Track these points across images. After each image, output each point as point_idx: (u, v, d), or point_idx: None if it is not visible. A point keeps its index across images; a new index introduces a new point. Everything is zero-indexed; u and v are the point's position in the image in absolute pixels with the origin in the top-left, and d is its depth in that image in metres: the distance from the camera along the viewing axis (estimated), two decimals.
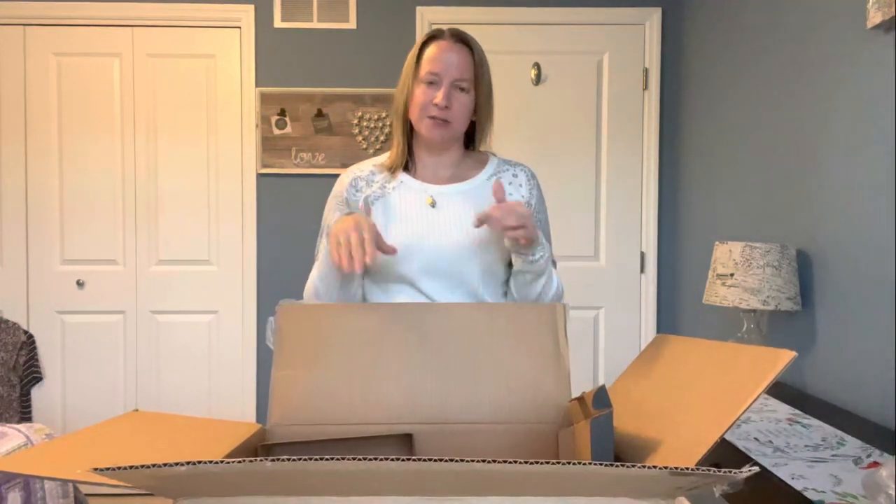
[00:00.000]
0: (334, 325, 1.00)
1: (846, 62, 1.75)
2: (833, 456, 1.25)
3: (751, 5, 2.32)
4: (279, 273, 3.06)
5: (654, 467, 0.57)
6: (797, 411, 1.59)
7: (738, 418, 0.69)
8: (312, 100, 3.03)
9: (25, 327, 2.99)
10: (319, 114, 3.03)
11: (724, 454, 1.27)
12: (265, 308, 3.07)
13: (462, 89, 1.26)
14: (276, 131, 3.03)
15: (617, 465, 0.57)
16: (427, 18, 3.03)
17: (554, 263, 1.31)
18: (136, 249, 3.06)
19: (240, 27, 3.03)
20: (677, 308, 3.04)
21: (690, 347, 0.92)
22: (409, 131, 1.33)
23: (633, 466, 0.57)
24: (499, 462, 0.55)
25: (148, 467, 0.55)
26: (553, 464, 0.56)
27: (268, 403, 0.97)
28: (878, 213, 1.62)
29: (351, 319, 1.00)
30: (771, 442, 1.34)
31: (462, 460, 0.55)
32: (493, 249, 1.25)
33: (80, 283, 3.05)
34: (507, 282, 1.31)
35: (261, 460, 0.55)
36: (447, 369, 0.97)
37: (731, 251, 1.90)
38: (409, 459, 0.55)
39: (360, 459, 0.55)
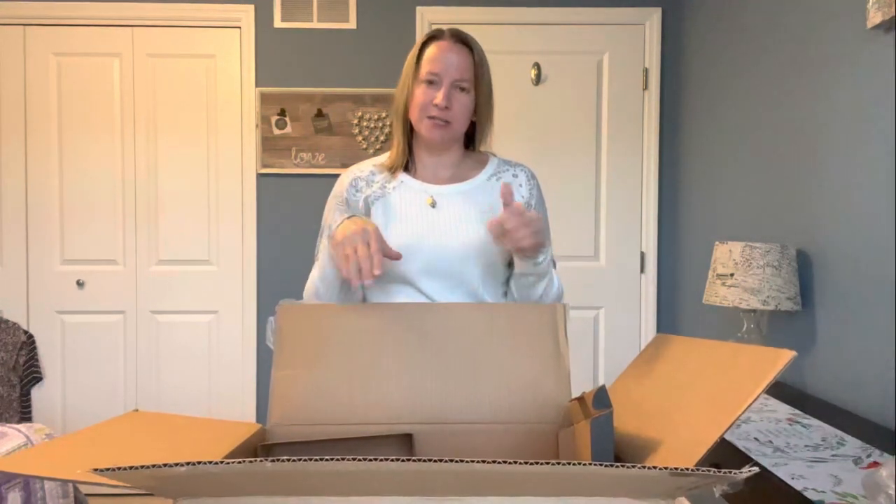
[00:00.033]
0: (334, 325, 1.00)
1: (846, 62, 1.75)
2: (833, 456, 1.25)
3: (751, 5, 2.32)
4: (279, 273, 3.06)
5: (655, 468, 0.57)
6: (797, 411, 1.59)
7: (737, 418, 0.69)
8: (312, 100, 3.03)
9: (25, 327, 2.99)
10: (319, 114, 3.03)
11: (724, 454, 1.27)
12: (265, 308, 3.07)
13: (462, 89, 1.26)
14: (276, 131, 3.03)
15: (617, 466, 0.57)
16: (427, 18, 3.03)
17: (553, 263, 1.31)
18: (136, 249, 3.06)
19: (240, 27, 3.03)
20: (677, 308, 3.04)
21: (690, 347, 0.92)
22: (410, 131, 1.33)
23: (634, 467, 0.57)
24: (499, 462, 0.55)
25: (148, 468, 0.55)
26: (553, 464, 0.56)
27: (268, 403, 0.97)
28: (878, 213, 1.62)
29: (351, 319, 1.00)
30: (771, 442, 1.34)
31: (462, 461, 0.55)
32: (494, 250, 1.25)
33: (80, 283, 3.05)
34: (507, 282, 1.31)
35: (261, 461, 0.55)
36: (447, 369, 0.97)
37: (731, 251, 1.90)
38: (409, 460, 0.55)
39: (360, 460, 0.55)
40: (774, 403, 1.67)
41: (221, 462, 0.56)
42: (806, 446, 1.31)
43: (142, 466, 0.55)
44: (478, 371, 0.97)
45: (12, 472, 0.68)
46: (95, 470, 0.56)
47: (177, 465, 0.55)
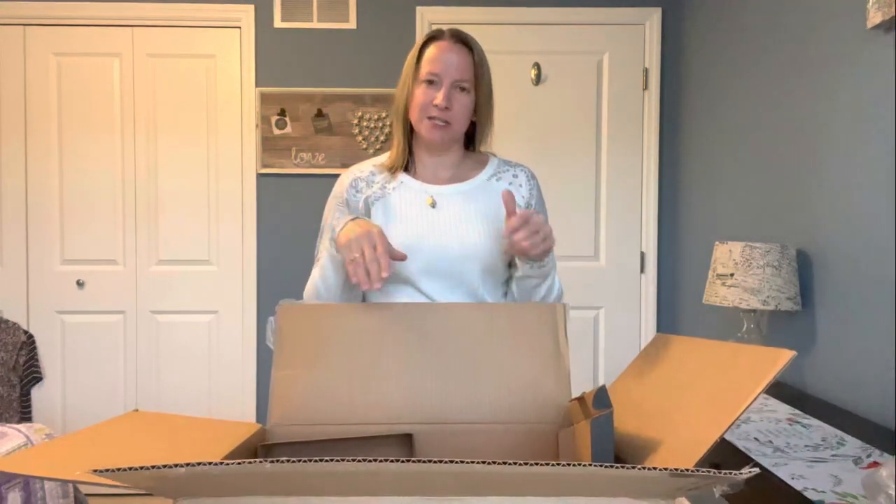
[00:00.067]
0: (334, 325, 1.00)
1: (846, 62, 1.75)
2: (833, 456, 1.25)
3: (751, 5, 2.32)
4: (279, 273, 3.06)
5: (655, 468, 0.57)
6: (797, 411, 1.59)
7: (737, 418, 0.69)
8: (312, 100, 3.03)
9: (25, 327, 2.99)
10: (319, 114, 3.03)
11: (724, 454, 1.27)
12: (265, 308, 3.07)
13: (462, 90, 1.26)
14: (276, 131, 3.03)
15: (617, 466, 0.57)
16: (427, 18, 3.03)
17: (553, 264, 1.31)
18: (136, 249, 3.06)
19: (240, 27, 3.03)
20: (677, 308, 3.04)
21: (690, 347, 0.92)
22: (410, 131, 1.33)
23: (633, 467, 0.57)
24: (499, 463, 0.55)
25: (147, 468, 0.55)
26: (553, 464, 0.56)
27: (268, 403, 0.97)
28: (878, 213, 1.62)
29: (351, 319, 1.00)
30: (771, 442, 1.34)
31: (462, 461, 0.55)
32: (494, 250, 1.25)
33: (80, 283, 3.05)
34: (507, 282, 1.31)
35: (260, 461, 0.55)
36: (447, 369, 0.97)
37: (731, 251, 1.90)
38: (409, 460, 0.55)
39: (360, 460, 0.55)
40: (774, 403, 1.67)
41: (221, 462, 0.56)
42: (806, 446, 1.31)
43: (141, 467, 0.55)
44: (478, 371, 0.97)
45: (12, 472, 0.68)
46: (95, 470, 0.56)
47: (176, 465, 0.55)
